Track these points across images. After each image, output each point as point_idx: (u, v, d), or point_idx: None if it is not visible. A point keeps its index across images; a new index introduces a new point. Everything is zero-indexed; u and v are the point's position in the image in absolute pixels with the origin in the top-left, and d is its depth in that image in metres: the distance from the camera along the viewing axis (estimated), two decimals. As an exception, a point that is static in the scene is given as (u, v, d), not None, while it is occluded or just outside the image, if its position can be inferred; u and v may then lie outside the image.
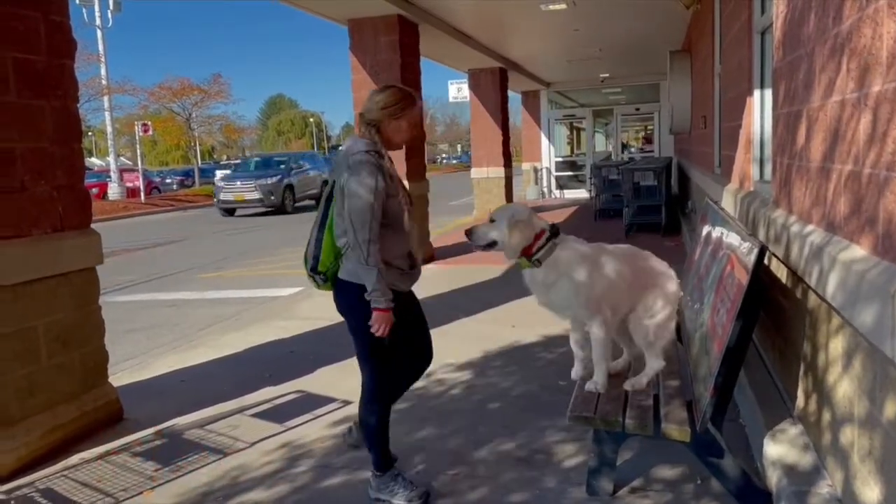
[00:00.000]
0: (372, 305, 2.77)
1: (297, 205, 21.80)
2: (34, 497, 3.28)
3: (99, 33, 27.21)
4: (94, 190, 26.69)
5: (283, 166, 22.56)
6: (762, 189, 4.24)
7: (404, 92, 2.98)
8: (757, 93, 4.50)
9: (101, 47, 27.44)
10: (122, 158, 34.55)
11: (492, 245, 3.06)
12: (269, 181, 20.99)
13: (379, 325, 2.78)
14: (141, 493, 3.25)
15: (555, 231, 3.04)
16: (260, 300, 7.97)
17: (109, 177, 29.60)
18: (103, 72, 27.73)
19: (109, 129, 29.93)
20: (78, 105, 4.13)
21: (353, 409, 4.12)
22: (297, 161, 23.87)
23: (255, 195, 20.59)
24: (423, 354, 3.31)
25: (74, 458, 3.66)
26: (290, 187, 21.57)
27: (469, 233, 3.11)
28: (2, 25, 3.56)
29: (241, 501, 3.13)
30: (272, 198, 20.67)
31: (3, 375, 3.54)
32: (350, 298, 2.90)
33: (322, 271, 2.97)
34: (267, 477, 3.35)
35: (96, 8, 26.65)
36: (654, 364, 3.08)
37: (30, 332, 3.68)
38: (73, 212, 3.98)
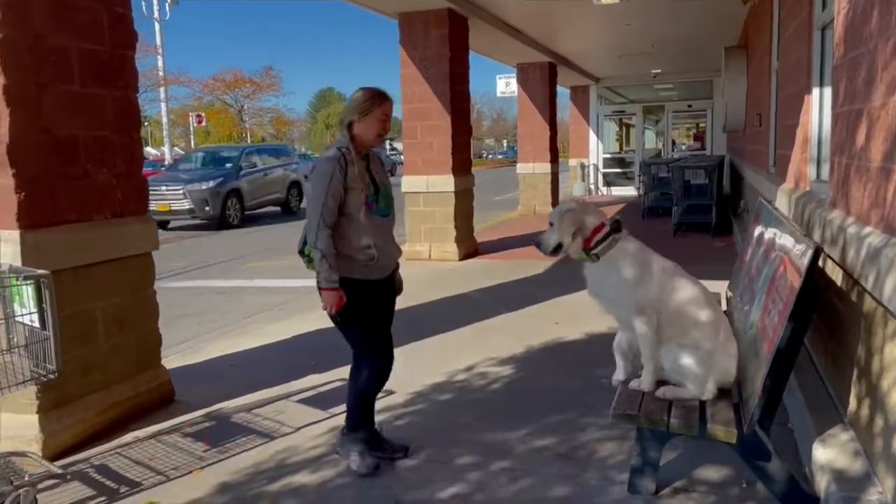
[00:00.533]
0: (318, 286, 3.07)
1: (249, 213, 16.44)
2: (89, 472, 3.41)
3: (157, 25, 27.97)
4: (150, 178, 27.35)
5: (229, 165, 16.64)
6: (819, 189, 4.13)
7: (372, 91, 3.20)
8: (816, 90, 4.38)
9: (158, 39, 28.22)
10: (175, 148, 35.45)
11: (558, 249, 3.12)
12: (203, 186, 15.20)
13: (325, 303, 3.07)
14: (191, 472, 3.35)
15: (616, 227, 3.06)
16: (306, 290, 8.06)
17: (164, 166, 30.40)
18: (160, 63, 28.51)
19: (165, 119, 30.77)
20: (137, 95, 4.26)
21: (396, 399, 4.20)
22: (251, 157, 17.59)
23: (185, 205, 15.02)
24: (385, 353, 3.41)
25: (128, 437, 3.79)
26: (235, 193, 15.78)
27: (537, 244, 3.19)
28: (68, 16, 3.69)
29: (287, 483, 3.21)
30: (206, 209, 15.03)
31: (62, 354, 3.68)
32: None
33: (307, 253, 3.21)
34: (312, 461, 3.42)
35: (154, 1, 27.37)
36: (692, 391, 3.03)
37: (88, 313, 3.82)
38: (131, 199, 4.12)
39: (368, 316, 3.23)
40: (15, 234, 3.42)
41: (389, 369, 3.39)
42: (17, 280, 2.96)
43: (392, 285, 3.41)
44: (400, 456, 3.41)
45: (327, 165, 3.08)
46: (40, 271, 2.93)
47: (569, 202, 3.22)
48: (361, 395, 3.33)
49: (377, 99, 3.16)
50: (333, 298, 3.05)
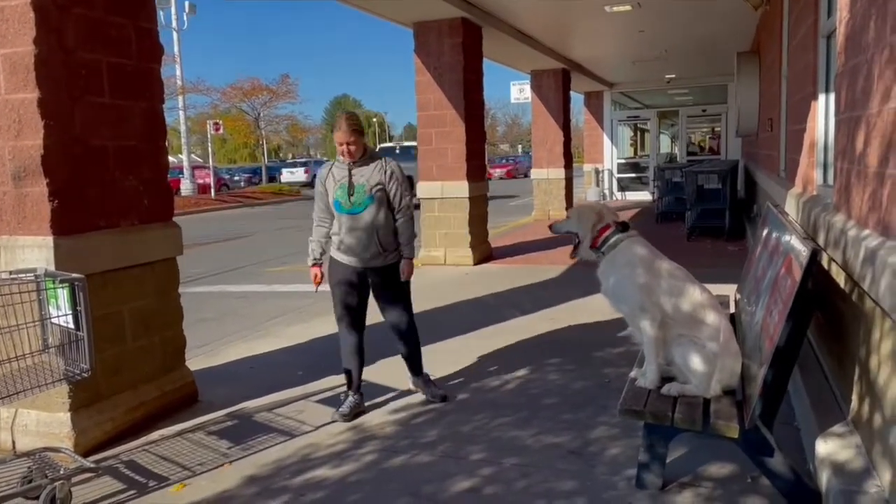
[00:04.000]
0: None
1: None
2: (119, 468, 3.56)
3: (175, 35, 28.35)
4: (168, 186, 27.59)
5: None
6: (825, 194, 4.21)
7: (334, 123, 4.25)
8: (822, 97, 4.47)
9: (176, 48, 28.58)
10: (192, 156, 35.89)
11: (569, 235, 3.49)
12: None
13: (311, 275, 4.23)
14: (218, 466, 3.50)
15: (623, 227, 3.23)
16: (324, 294, 8.23)
17: (182, 173, 30.76)
18: (178, 72, 28.87)
19: (183, 127, 31.12)
20: (163, 106, 4.44)
21: (414, 398, 4.32)
22: None
23: None
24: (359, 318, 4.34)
25: (155, 434, 3.95)
26: None
27: (551, 226, 3.64)
28: (98, 32, 3.87)
29: (310, 477, 3.34)
30: None
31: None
32: None
33: None
34: (333, 456, 3.56)
35: (172, 10, 27.78)
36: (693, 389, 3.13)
37: (117, 315, 3.99)
38: (157, 205, 4.29)
39: (340, 290, 4.17)
40: (49, 240, 3.59)
41: (349, 345, 4.24)
42: (53, 283, 3.12)
43: (364, 275, 4.17)
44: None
45: (318, 173, 4.23)
46: (75, 275, 3.09)
47: (589, 202, 3.45)
48: (343, 354, 4.27)
49: (333, 129, 4.22)
50: (313, 272, 4.25)
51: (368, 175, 4.03)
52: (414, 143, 17.14)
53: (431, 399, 4.29)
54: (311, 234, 4.22)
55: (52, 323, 3.20)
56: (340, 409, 4.08)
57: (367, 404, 4.24)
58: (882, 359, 2.39)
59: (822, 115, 4.44)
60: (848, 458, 2.61)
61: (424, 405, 4.24)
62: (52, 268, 3.48)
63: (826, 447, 2.72)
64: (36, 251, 3.61)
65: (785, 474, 2.79)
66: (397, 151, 22.58)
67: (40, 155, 3.56)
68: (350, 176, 4.02)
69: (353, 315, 4.22)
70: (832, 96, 4.18)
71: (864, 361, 2.69)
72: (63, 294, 3.10)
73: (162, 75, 4.41)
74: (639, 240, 3.29)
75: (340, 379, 4.75)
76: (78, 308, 3.07)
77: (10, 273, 3.27)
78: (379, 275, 4.18)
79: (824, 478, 2.65)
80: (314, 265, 4.21)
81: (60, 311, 3.12)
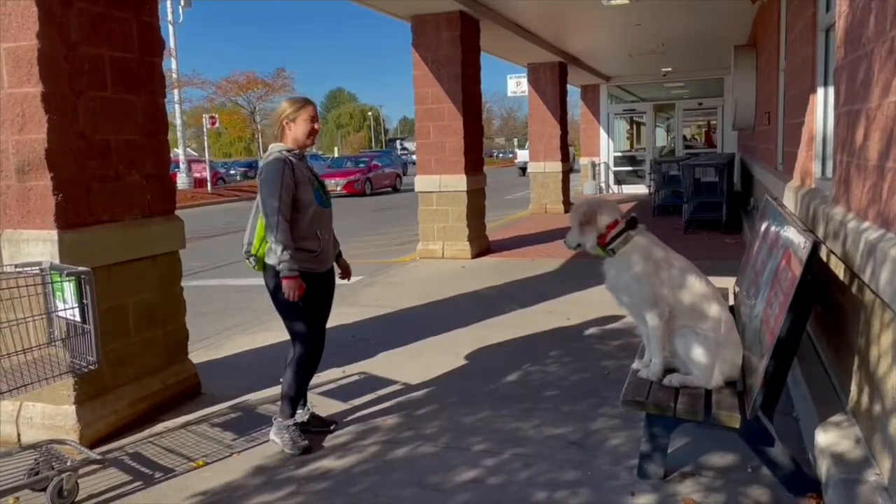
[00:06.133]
0: (280, 275, 3.38)
1: None
2: (125, 460, 3.58)
3: (171, 28, 28.22)
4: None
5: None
6: (823, 186, 4.25)
7: (296, 100, 3.65)
8: (820, 90, 4.50)
9: (171, 42, 28.46)
10: (188, 149, 35.77)
11: (579, 246, 3.35)
12: None
13: (287, 291, 3.38)
14: (223, 458, 3.52)
15: (631, 223, 3.22)
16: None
17: (178, 167, 30.66)
18: (174, 66, 28.74)
19: (179, 121, 30.98)
20: (164, 100, 4.44)
21: (415, 392, 4.36)
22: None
23: None
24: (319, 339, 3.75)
25: (159, 427, 3.97)
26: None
27: (564, 241, 3.45)
28: (100, 26, 3.87)
29: (314, 468, 3.38)
30: None
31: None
32: (268, 279, 3.56)
33: (254, 254, 3.65)
34: (338, 448, 3.59)
35: (168, 4, 27.64)
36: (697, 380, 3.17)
37: (121, 309, 4.01)
38: (160, 199, 4.30)
39: (312, 306, 3.58)
40: (53, 234, 3.60)
41: (319, 358, 3.75)
42: (60, 277, 3.14)
43: (330, 280, 3.75)
44: (333, 428, 3.82)
45: (276, 165, 3.45)
46: (81, 268, 3.11)
47: (588, 199, 3.39)
48: (299, 383, 3.66)
49: (301, 103, 3.61)
50: (295, 285, 3.39)
51: (310, 166, 3.68)
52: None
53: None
54: (275, 235, 3.36)
55: (58, 316, 3.22)
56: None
57: (370, 397, 4.27)
58: (881, 350, 2.43)
59: (821, 108, 4.47)
60: (847, 448, 2.66)
61: (425, 398, 4.27)
62: (56, 261, 3.50)
63: (826, 437, 2.77)
64: (40, 245, 3.62)
65: (785, 464, 2.83)
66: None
67: (44, 149, 3.56)
68: (309, 167, 3.63)
69: (323, 331, 3.75)
70: (831, 90, 4.21)
71: (863, 352, 2.73)
72: (69, 287, 3.11)
73: (160, 69, 4.41)
74: (648, 235, 3.30)
75: (342, 371, 4.79)
76: (84, 301, 3.08)
77: (16, 266, 3.29)
78: (332, 277, 3.80)
79: (824, 467, 2.69)
80: (297, 276, 3.40)
81: (67, 305, 3.13)
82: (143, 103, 4.18)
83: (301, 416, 3.75)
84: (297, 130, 3.58)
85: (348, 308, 6.74)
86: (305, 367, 3.66)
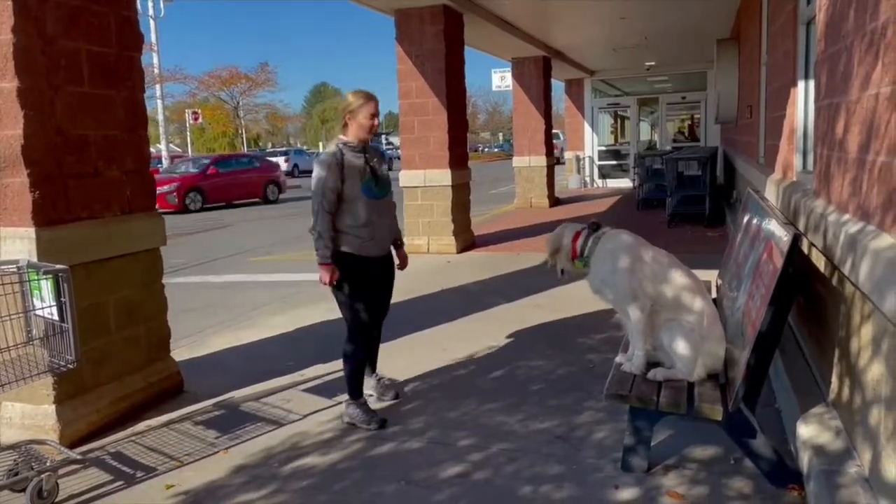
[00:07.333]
0: (317, 262, 3.67)
1: None
2: (106, 459, 3.55)
3: (152, 23, 27.94)
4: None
5: None
6: (804, 179, 4.28)
7: (360, 93, 3.79)
8: (801, 84, 4.53)
9: (153, 36, 28.18)
10: (171, 145, 35.47)
11: (564, 272, 3.54)
12: None
13: (321, 276, 3.68)
14: (205, 456, 3.49)
15: (594, 227, 3.25)
16: (308, 283, 8.21)
17: (161, 163, 30.41)
18: (155, 61, 28.49)
19: (161, 116, 30.75)
20: (144, 95, 4.39)
21: (400, 387, 4.34)
22: None
23: None
24: (379, 313, 3.99)
25: (141, 426, 3.93)
26: None
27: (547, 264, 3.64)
28: (78, 20, 3.81)
29: (299, 465, 3.36)
30: None
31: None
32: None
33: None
34: (321, 444, 3.58)
35: (149, -2, 27.37)
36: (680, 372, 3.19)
37: (101, 306, 3.96)
38: (140, 195, 4.25)
39: (361, 289, 3.76)
40: (31, 232, 3.55)
41: (372, 341, 4.00)
42: (37, 275, 3.09)
43: (386, 266, 3.93)
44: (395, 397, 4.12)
45: (324, 160, 3.66)
46: (59, 266, 3.06)
47: (552, 232, 3.54)
48: (354, 366, 3.85)
49: (364, 99, 3.73)
50: (327, 272, 3.66)
51: (376, 157, 3.84)
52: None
53: (381, 399, 4.14)
54: (316, 226, 3.66)
55: (35, 315, 3.17)
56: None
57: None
58: (862, 342, 2.45)
59: (802, 101, 4.50)
60: (828, 440, 2.68)
61: (410, 393, 4.26)
62: (34, 259, 3.45)
63: (807, 429, 2.78)
64: (17, 242, 3.56)
65: (767, 455, 2.85)
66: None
67: (21, 145, 3.50)
68: (367, 160, 3.74)
69: (378, 319, 3.98)
70: (812, 83, 4.25)
71: (843, 344, 2.75)
72: (47, 286, 3.07)
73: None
74: (618, 231, 3.32)
75: (327, 368, 4.77)
76: (62, 299, 3.04)
77: (-8, 265, 3.23)
78: (390, 261, 4.01)
79: (805, 458, 2.71)
80: (330, 264, 3.67)
81: (44, 303, 3.09)
82: (122, 98, 4.13)
83: (369, 388, 4.00)
84: (356, 124, 3.73)
85: (333, 304, 6.68)
86: (355, 348, 3.85)
